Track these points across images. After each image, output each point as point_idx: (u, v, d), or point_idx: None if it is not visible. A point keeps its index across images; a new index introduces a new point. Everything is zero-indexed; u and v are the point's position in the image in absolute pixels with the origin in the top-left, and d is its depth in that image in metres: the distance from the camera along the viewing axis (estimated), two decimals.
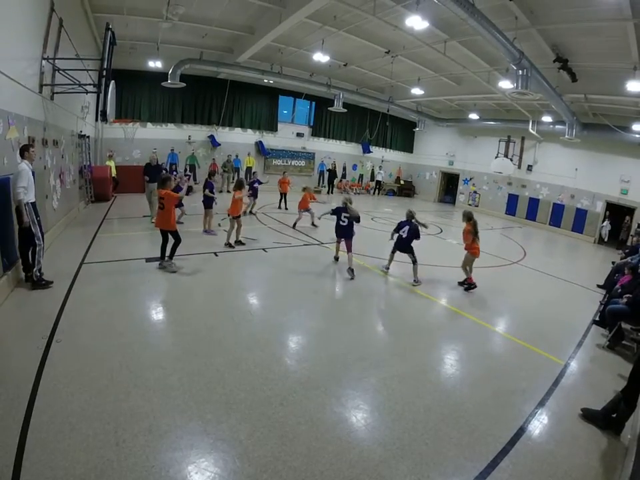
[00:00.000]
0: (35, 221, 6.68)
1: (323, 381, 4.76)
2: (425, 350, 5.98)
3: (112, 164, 17.87)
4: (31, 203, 6.62)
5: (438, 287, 8.89)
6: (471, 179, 25.78)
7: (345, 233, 9.17)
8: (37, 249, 6.71)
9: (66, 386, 4.23)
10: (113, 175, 17.58)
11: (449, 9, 8.73)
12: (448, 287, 8.96)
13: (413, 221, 8.99)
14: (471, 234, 8.59)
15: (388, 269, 9.35)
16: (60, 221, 10.45)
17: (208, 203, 11.45)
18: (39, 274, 6.80)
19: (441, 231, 16.12)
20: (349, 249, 8.97)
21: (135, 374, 4.57)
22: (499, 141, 22.72)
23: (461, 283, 8.97)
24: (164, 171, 15.36)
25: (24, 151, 6.67)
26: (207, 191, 11.36)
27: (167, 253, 8.18)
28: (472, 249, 8.67)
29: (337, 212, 9.25)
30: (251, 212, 14.98)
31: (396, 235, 9.08)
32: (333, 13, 12.51)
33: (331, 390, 4.59)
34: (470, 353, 6.05)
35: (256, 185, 14.62)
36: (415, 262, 8.79)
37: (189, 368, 4.79)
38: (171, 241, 8.17)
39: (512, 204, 23.23)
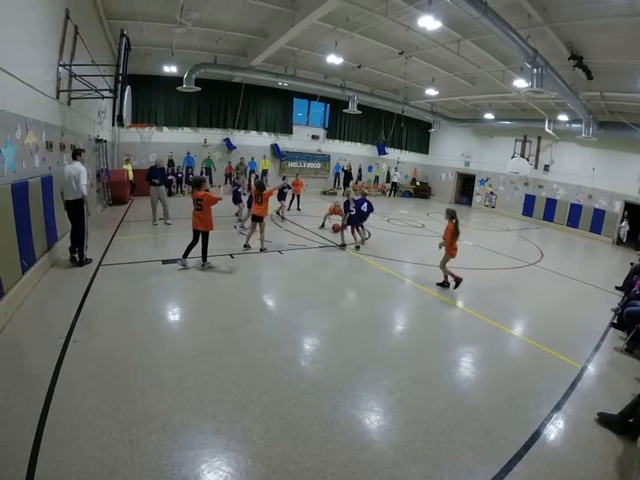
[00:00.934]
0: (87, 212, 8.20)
1: (337, 383, 4.76)
2: (439, 352, 5.94)
3: (129, 167, 18.13)
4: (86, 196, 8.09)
5: (454, 289, 8.83)
6: (487, 179, 25.45)
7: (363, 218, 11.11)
8: (85, 237, 8.24)
9: (82, 385, 4.31)
10: (130, 179, 17.81)
11: (461, 8, 8.68)
12: (464, 289, 8.89)
13: (367, 197, 11.61)
14: (452, 233, 8.41)
15: (359, 247, 11.27)
16: None
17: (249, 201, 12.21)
18: (85, 254, 8.29)
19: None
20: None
21: (150, 373, 4.63)
22: (515, 141, 22.40)
23: (440, 284, 8.80)
24: (171, 175, 15.77)
25: (77, 154, 8.24)
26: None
27: (198, 254, 8.45)
28: (450, 249, 8.49)
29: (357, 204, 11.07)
30: (282, 217, 15.15)
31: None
32: (345, 15, 12.51)
33: (344, 392, 4.59)
34: (485, 356, 6.00)
35: (286, 190, 14.91)
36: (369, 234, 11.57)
37: (203, 368, 4.83)
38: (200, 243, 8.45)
39: (529, 205, 22.86)
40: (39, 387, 4.20)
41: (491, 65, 14.98)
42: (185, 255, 8.43)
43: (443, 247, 8.58)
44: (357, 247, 11.25)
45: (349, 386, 4.72)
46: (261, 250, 10.08)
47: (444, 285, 8.70)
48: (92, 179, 12.86)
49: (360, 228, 11.74)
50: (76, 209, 8.07)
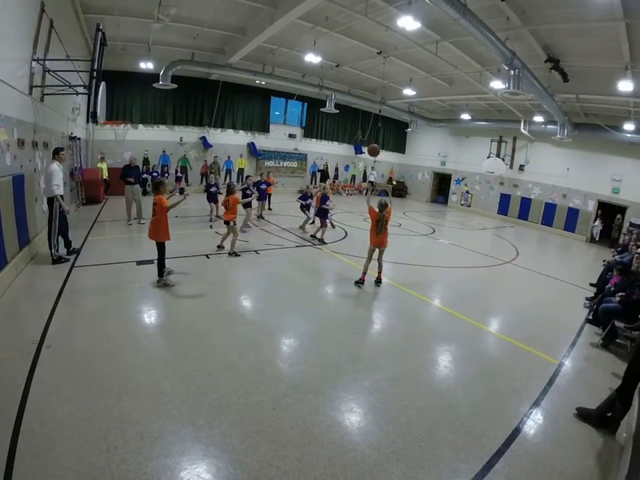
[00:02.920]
0: (58, 213, 8.17)
1: (316, 384, 4.74)
2: (418, 351, 5.96)
3: (104, 166, 17.80)
4: (61, 196, 8.18)
5: (430, 288, 8.87)
6: (463, 179, 25.79)
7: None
8: (52, 235, 8.16)
9: (56, 392, 4.18)
10: (105, 177, 17.53)
11: (441, 9, 8.70)
12: (440, 287, 8.95)
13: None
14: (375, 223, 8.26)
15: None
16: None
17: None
18: (57, 254, 8.25)
19: (433, 231, 16.16)
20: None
21: (126, 379, 4.52)
22: (491, 141, 22.80)
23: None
24: (146, 174, 15.52)
25: (55, 153, 8.42)
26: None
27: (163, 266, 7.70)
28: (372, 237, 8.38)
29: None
30: (261, 215, 15.22)
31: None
32: (325, 14, 12.48)
33: (324, 393, 4.57)
34: (464, 354, 6.04)
35: (263, 186, 14.65)
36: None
37: (180, 372, 4.75)
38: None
39: (504, 204, 23.28)
40: (11, 395, 4.05)
41: (469, 66, 15.14)
42: (161, 274, 7.64)
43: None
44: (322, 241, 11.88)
45: (329, 387, 4.70)
46: (230, 254, 9.77)
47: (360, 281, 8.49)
48: (65, 178, 12.59)
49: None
50: (49, 206, 8.23)
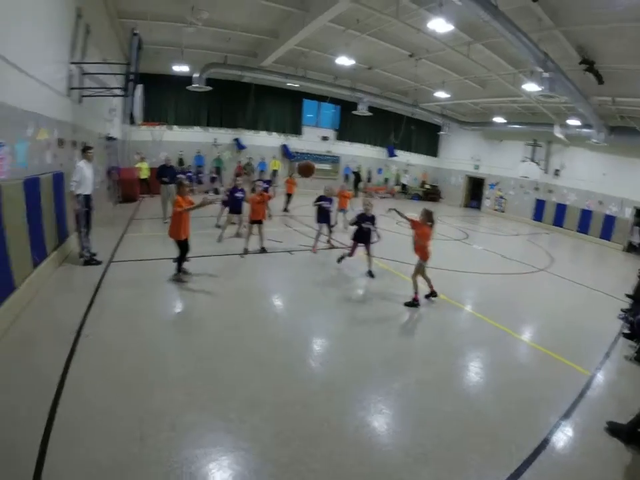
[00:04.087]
0: (83, 212, 7.98)
1: (347, 384, 4.75)
2: (448, 356, 5.90)
3: (144, 166, 18.25)
4: (84, 195, 7.97)
5: (462, 293, 8.75)
6: (496, 183, 25.20)
7: (366, 238, 8.93)
8: (81, 235, 8.04)
9: (92, 380, 4.35)
10: (145, 177, 17.95)
11: (472, 11, 8.67)
12: (472, 292, 8.83)
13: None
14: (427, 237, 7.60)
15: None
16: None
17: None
18: (88, 254, 8.12)
19: (467, 236, 15.94)
20: (370, 252, 9.05)
21: (160, 371, 4.66)
22: (525, 145, 22.32)
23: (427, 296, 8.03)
24: (181, 174, 15.62)
25: (83, 151, 8.30)
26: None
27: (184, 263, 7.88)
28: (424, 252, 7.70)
29: (358, 220, 8.98)
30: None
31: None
32: (356, 17, 12.49)
33: (354, 393, 4.58)
34: (494, 361, 5.96)
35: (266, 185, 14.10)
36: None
37: (212, 367, 4.85)
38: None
39: (539, 209, 22.61)
40: (48, 381, 4.23)
41: (502, 68, 14.93)
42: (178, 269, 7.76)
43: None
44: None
45: (359, 388, 4.71)
46: (262, 249, 10.05)
47: (414, 302, 7.68)
48: (102, 176, 12.96)
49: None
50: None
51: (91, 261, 8.16)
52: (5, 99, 5.58)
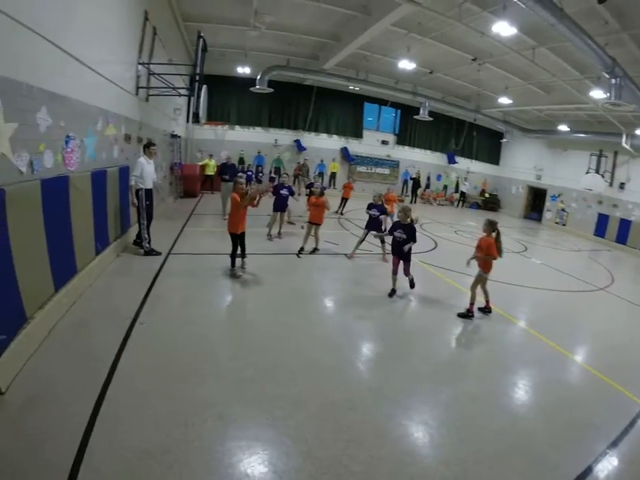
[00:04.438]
0: (144, 205, 8.30)
1: (394, 391, 4.69)
2: (498, 371, 5.71)
3: (212, 163, 18.90)
4: (145, 189, 8.31)
5: (517, 307, 8.45)
6: (559, 195, 23.90)
7: (400, 252, 7.69)
8: (141, 227, 8.40)
9: (144, 365, 4.55)
10: (211, 174, 18.59)
11: (537, 14, 8.39)
12: (527, 308, 8.52)
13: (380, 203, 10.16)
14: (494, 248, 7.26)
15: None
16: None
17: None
18: (148, 246, 8.48)
19: (525, 249, 15.31)
20: (407, 273, 7.91)
21: (211, 362, 4.80)
22: (590, 155, 21.06)
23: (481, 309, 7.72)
24: (241, 173, 15.90)
25: (145, 147, 8.62)
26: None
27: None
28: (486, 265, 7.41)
29: (391, 229, 8.17)
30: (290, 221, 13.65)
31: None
32: (418, 20, 12.34)
33: (400, 401, 4.51)
34: (545, 380, 5.66)
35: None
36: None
37: (263, 363, 4.92)
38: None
39: (601, 224, 21.13)
40: (102, 362, 4.46)
41: (567, 74, 14.32)
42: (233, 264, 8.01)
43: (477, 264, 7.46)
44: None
45: (406, 396, 4.64)
46: (315, 249, 10.13)
47: (468, 313, 7.42)
48: (165, 172, 13.47)
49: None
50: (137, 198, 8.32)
51: (151, 251, 8.51)
52: (77, 95, 5.93)
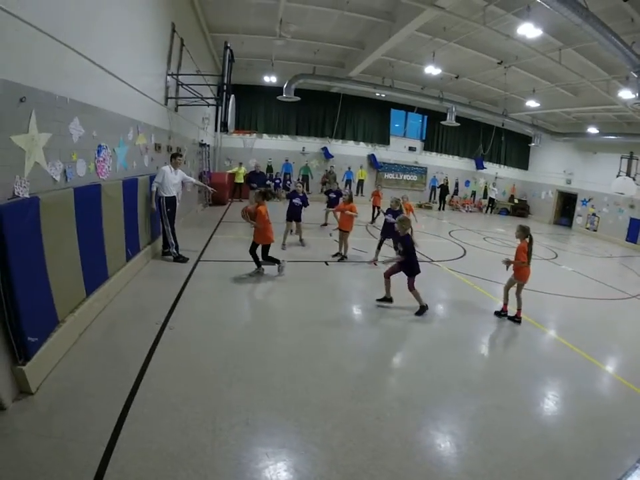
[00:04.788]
0: (166, 212, 8.42)
1: (422, 401, 4.63)
2: (528, 381, 5.54)
3: (241, 171, 19.09)
4: (167, 197, 8.40)
5: (547, 316, 8.25)
6: (589, 199, 23.14)
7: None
8: (165, 233, 8.61)
9: (173, 369, 4.62)
10: (241, 182, 18.77)
11: (562, 14, 8.27)
12: (557, 316, 8.33)
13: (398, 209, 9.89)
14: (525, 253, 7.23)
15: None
16: (179, 220, 11.30)
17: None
18: (175, 252, 8.66)
19: (556, 256, 14.87)
20: (410, 287, 7.29)
21: (239, 368, 4.81)
22: (621, 158, 20.20)
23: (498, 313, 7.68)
24: (269, 181, 16.03)
25: (171, 157, 8.73)
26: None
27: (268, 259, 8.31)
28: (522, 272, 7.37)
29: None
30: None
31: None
32: (443, 25, 12.37)
33: (428, 411, 4.45)
34: (575, 391, 5.48)
35: (332, 195, 13.73)
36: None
37: (291, 370, 4.93)
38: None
39: (634, 230, 20.30)
40: (131, 366, 4.56)
41: (595, 75, 14.07)
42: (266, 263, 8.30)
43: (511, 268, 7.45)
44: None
45: (434, 406, 4.58)
46: (343, 257, 10.10)
47: (502, 313, 7.56)
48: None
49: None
50: (158, 205, 8.42)
51: (179, 257, 8.66)
52: (109, 106, 6.13)
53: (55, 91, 4.52)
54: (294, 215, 10.93)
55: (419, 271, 7.25)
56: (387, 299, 7.50)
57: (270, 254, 8.27)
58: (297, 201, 10.86)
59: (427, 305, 7.30)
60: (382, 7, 12.25)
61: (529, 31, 9.90)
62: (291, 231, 11.20)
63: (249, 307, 7.07)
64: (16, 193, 3.88)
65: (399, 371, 5.45)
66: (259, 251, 8.25)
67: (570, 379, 5.77)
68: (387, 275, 7.44)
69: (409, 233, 7.24)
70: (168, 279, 7.74)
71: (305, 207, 11.02)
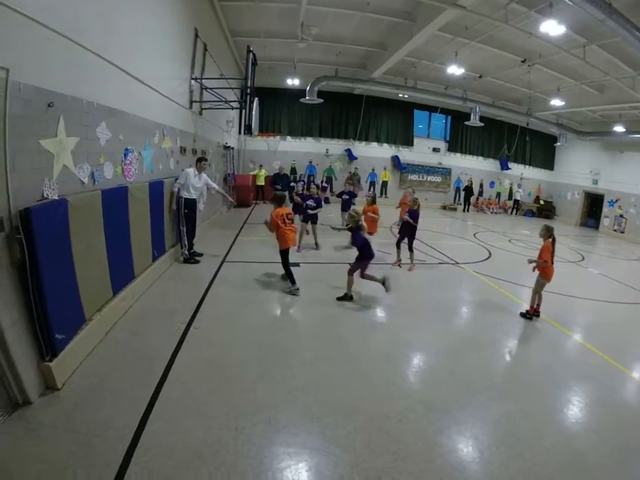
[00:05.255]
0: (183, 213, 8.46)
1: (445, 405, 4.59)
2: (553, 387, 5.43)
3: (262, 173, 19.42)
4: (187, 198, 8.45)
5: (573, 320, 8.09)
6: (616, 200, 22.47)
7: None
8: (180, 233, 8.60)
9: (197, 369, 4.69)
10: (262, 184, 19.09)
11: (585, 10, 8.20)
12: (583, 320, 8.17)
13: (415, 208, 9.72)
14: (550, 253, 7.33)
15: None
16: (205, 222, 11.59)
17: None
18: (187, 253, 8.69)
19: (582, 259, 14.45)
20: (350, 272, 7.52)
21: (263, 369, 4.85)
22: None
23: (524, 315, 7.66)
24: (293, 183, 16.09)
25: (196, 161, 8.78)
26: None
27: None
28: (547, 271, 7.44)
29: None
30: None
31: None
32: (464, 24, 12.28)
33: (452, 415, 4.40)
34: (600, 397, 5.33)
35: (345, 196, 13.45)
36: None
37: (315, 371, 4.95)
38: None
39: None
40: (156, 364, 4.66)
41: (620, 71, 13.79)
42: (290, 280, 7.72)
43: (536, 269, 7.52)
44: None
45: (458, 410, 4.53)
46: None
47: (527, 314, 7.56)
48: (219, 182, 13.91)
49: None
50: (177, 206, 8.48)
51: (190, 259, 8.72)
52: (135, 110, 6.28)
53: (82, 96, 4.65)
54: (309, 216, 10.87)
55: (366, 259, 7.46)
56: (348, 297, 7.55)
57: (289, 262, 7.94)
58: (310, 202, 10.82)
59: (352, 296, 7.53)
60: (403, 7, 12.21)
61: (552, 28, 9.79)
62: (307, 231, 11.17)
63: (273, 308, 7.08)
64: (45, 195, 4.02)
65: (423, 374, 5.40)
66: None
67: (595, 384, 5.65)
68: (350, 273, 7.48)
69: (360, 227, 7.49)
70: (193, 279, 7.87)
71: (318, 208, 10.91)
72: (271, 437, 3.68)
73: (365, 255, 7.39)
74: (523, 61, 14.74)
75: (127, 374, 4.43)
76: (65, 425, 3.58)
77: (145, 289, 6.74)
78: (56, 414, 3.70)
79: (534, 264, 7.35)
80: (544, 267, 7.31)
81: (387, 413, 4.27)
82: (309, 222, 10.95)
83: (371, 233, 9.81)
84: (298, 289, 7.58)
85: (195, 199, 8.67)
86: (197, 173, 8.57)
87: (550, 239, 7.35)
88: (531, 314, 7.51)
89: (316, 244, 11.07)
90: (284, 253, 7.58)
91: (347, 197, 13.29)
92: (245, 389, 4.37)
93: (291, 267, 7.77)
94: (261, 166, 19.83)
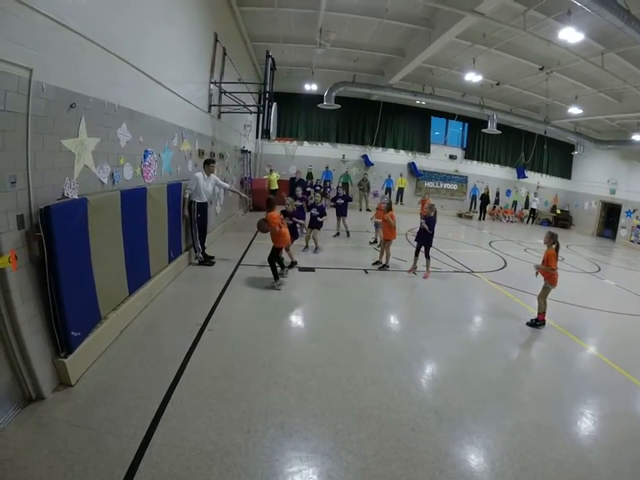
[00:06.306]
0: (195, 217, 8.46)
1: (458, 414, 4.55)
2: (566, 399, 5.36)
3: (273, 177, 19.32)
4: (199, 202, 8.43)
5: (588, 332, 7.97)
6: (634, 210, 22.06)
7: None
8: (193, 238, 8.63)
9: (211, 370, 4.72)
10: (275, 188, 18.92)
11: (603, 17, 8.14)
12: (599, 332, 8.06)
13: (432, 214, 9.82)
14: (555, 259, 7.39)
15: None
16: (221, 225, 11.76)
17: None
18: (201, 256, 8.79)
19: (599, 270, 14.19)
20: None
21: (276, 372, 4.87)
22: None
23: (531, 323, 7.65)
24: (310, 188, 16.13)
25: (204, 164, 8.65)
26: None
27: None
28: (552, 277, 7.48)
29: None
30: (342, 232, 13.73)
31: None
32: (482, 31, 12.26)
33: (464, 424, 4.38)
34: (613, 411, 5.22)
35: (340, 201, 13.62)
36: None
37: (328, 376, 4.94)
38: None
39: None
40: (170, 364, 4.71)
41: (639, 79, 13.65)
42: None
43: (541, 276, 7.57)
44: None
45: (470, 419, 4.49)
46: (384, 265, 10.07)
47: (537, 322, 7.54)
48: (236, 186, 14.01)
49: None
50: (189, 210, 8.48)
51: (205, 261, 8.84)
52: (155, 113, 6.38)
53: (103, 98, 4.73)
54: (314, 223, 11.19)
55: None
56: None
57: (285, 260, 8.47)
58: (314, 211, 11.11)
59: (296, 261, 8.96)
60: (421, 14, 12.21)
61: (570, 35, 9.73)
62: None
63: (287, 311, 7.06)
64: (65, 194, 4.10)
65: (436, 382, 5.35)
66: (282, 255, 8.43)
67: (609, 398, 5.54)
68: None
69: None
70: (209, 281, 7.95)
71: (321, 216, 11.11)
72: (283, 440, 3.69)
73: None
74: (541, 69, 14.61)
75: (141, 373, 4.48)
76: (77, 420, 3.64)
77: (160, 289, 6.82)
78: (68, 410, 3.76)
79: (539, 270, 7.45)
80: (551, 274, 7.37)
81: (399, 421, 4.25)
82: (314, 229, 11.20)
83: (388, 239, 9.91)
84: (281, 284, 7.95)
85: (206, 202, 8.71)
86: (205, 176, 8.51)
87: (554, 245, 7.41)
88: (542, 320, 7.49)
89: (316, 248, 11.29)
90: (277, 251, 8.03)
91: (342, 201, 13.43)
92: (257, 392, 4.39)
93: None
94: (272, 170, 19.85)
